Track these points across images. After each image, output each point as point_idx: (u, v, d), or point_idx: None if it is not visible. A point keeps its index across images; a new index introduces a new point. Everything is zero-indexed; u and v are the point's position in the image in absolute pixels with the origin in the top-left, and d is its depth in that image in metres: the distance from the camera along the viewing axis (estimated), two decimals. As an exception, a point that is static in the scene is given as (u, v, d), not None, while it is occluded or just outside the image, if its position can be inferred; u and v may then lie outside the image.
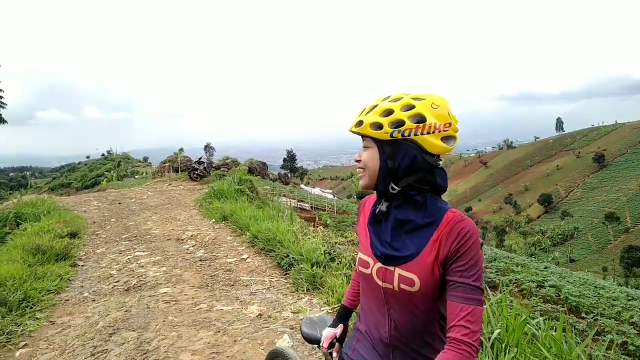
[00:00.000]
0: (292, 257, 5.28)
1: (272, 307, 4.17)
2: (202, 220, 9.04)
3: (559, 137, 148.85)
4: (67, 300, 4.57)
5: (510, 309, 3.41)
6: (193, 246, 6.81)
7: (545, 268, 15.05)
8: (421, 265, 1.13)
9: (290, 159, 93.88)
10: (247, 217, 7.67)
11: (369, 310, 1.30)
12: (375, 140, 1.17)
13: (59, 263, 5.69)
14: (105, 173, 30.27)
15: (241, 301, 4.36)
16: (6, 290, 4.29)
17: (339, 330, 1.50)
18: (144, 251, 6.57)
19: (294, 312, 4.01)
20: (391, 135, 1.13)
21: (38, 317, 4.07)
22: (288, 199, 21.57)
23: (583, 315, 9.31)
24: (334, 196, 41.66)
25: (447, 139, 1.15)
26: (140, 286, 4.92)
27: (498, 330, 2.95)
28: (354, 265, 1.54)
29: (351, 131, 1.22)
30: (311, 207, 26.39)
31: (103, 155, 43.89)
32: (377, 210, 1.23)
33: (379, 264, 1.21)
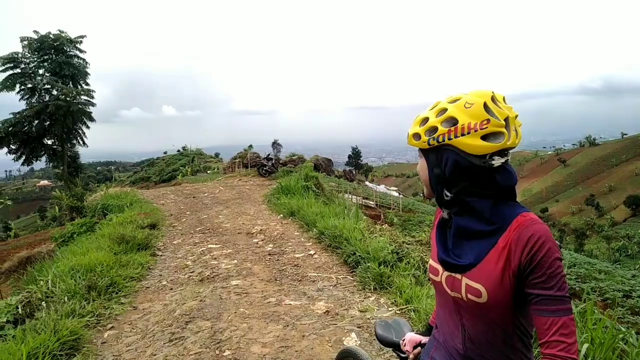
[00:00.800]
0: (359, 255, 5.26)
1: (339, 305, 4.18)
2: (271, 215, 9.28)
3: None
4: (148, 287, 4.89)
5: (596, 320, 3.16)
6: (262, 240, 7.00)
7: (632, 277, 13.83)
8: (487, 275, 1.07)
9: (355, 155, 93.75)
10: (314, 214, 7.76)
11: (444, 319, 1.27)
12: (421, 149, 1.19)
13: (141, 252, 6.11)
14: (181, 168, 31.94)
15: (309, 297, 4.42)
16: (96, 276, 4.67)
17: (425, 338, 1.48)
18: (216, 244, 6.87)
19: (361, 311, 4.00)
20: (428, 143, 1.13)
21: (123, 302, 4.39)
22: (353, 196, 21.56)
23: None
24: (399, 194, 41.01)
25: (490, 136, 1.06)
26: (213, 277, 5.15)
27: (586, 345, 2.74)
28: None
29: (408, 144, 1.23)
30: (376, 204, 26.18)
31: (179, 151, 46.34)
32: (441, 217, 1.23)
33: (447, 272, 1.18)
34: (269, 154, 21.07)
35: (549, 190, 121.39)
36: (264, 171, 18.95)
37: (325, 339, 3.45)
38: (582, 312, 3.31)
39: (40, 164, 28.26)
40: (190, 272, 5.40)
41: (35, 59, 25.46)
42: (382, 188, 43.22)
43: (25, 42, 25.10)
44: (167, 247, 6.81)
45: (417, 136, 1.16)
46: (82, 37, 26.87)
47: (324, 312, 3.99)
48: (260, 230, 7.70)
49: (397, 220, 19.81)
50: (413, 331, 1.57)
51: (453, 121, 1.08)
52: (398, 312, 3.93)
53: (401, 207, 27.45)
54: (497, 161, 1.08)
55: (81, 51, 26.74)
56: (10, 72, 24.66)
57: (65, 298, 4.07)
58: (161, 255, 6.28)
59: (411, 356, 1.46)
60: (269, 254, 6.13)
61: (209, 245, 6.76)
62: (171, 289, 4.83)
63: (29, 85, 25.15)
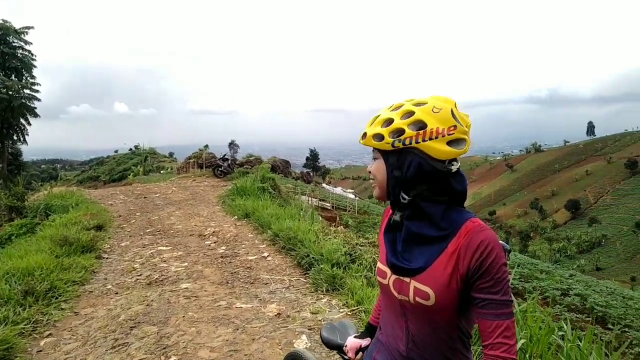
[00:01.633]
0: (313, 257, 5.27)
1: (291, 307, 4.16)
2: (225, 217, 9.12)
3: (590, 142, 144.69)
4: (91, 292, 4.67)
5: (535, 318, 3.31)
6: (215, 242, 6.87)
7: (570, 276, 14.67)
8: (436, 279, 1.09)
9: (312, 157, 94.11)
10: (269, 215, 7.70)
11: (388, 321, 1.28)
12: (380, 151, 1.15)
13: (85, 255, 5.83)
14: (132, 167, 30.86)
15: (260, 299, 4.37)
16: (34, 280, 4.42)
17: (365, 342, 1.49)
18: (166, 246, 6.67)
19: (312, 313, 4.00)
20: (392, 145, 1.09)
21: (63, 307, 4.17)
22: (310, 198, 21.59)
23: (610, 326, 9.02)
24: (355, 196, 41.50)
25: (454, 142, 1.08)
26: (162, 281, 4.99)
27: (522, 341, 2.87)
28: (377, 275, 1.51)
29: (360, 143, 1.19)
30: (332, 206, 26.35)
31: (130, 149, 44.74)
32: (392, 220, 1.21)
33: (395, 275, 1.18)
34: (224, 155, 20.72)
35: (496, 194, 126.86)
36: (219, 172, 18.63)
37: (276, 341, 3.42)
38: (523, 311, 3.46)
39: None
40: (138, 275, 5.21)
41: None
42: (338, 190, 43.60)
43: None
44: (114, 249, 6.54)
45: (379, 137, 1.12)
46: (28, 27, 25.39)
47: (276, 315, 3.96)
48: (213, 232, 7.55)
49: (352, 222, 20.03)
50: (359, 332, 1.58)
51: (421, 124, 1.08)
52: (349, 313, 3.96)
53: (357, 209, 27.77)
54: (455, 166, 1.11)
55: (27, 43, 25.30)
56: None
57: (-2, 304, 3.82)
58: (107, 258, 6.02)
59: None
60: (222, 257, 6.02)
61: (159, 248, 6.56)
62: (116, 293, 4.64)
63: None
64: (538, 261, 19.89)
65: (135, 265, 5.63)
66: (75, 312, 4.10)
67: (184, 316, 3.92)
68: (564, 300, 10.08)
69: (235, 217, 8.89)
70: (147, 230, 7.85)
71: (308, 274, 5.10)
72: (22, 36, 25.02)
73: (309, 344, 3.36)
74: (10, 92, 23.32)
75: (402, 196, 1.14)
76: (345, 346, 1.52)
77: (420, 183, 1.11)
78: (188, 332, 3.58)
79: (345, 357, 1.54)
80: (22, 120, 25.08)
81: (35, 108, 25.60)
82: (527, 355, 2.87)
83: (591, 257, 70.51)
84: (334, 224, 12.39)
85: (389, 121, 1.12)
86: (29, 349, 3.37)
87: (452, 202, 1.14)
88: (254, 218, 8.12)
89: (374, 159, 1.19)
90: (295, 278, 5.08)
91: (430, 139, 1.06)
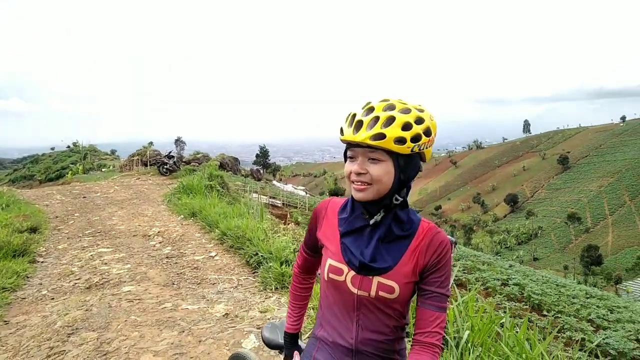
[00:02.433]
0: (261, 255, 5.22)
1: (240, 307, 4.10)
2: (170, 216, 8.85)
3: (526, 139, 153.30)
4: (24, 298, 4.38)
5: (477, 308, 3.46)
6: (160, 243, 6.65)
7: (510, 266, 15.46)
8: (401, 274, 1.17)
9: (262, 155, 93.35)
10: (217, 214, 7.54)
11: (334, 316, 1.27)
12: (391, 153, 1.11)
13: (17, 259, 5.45)
14: (71, 165, 29.30)
15: (208, 300, 4.28)
16: (-43, 288, 4.08)
17: (297, 358, 1.46)
18: (108, 247, 6.37)
19: (261, 312, 3.96)
20: (412, 150, 1.11)
21: (-9, 316, 3.88)
22: (260, 196, 21.40)
23: (545, 313, 9.60)
24: (306, 193, 41.60)
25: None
26: (102, 284, 4.76)
27: (467, 332, 2.98)
28: (300, 274, 1.52)
29: (361, 142, 1.10)
30: (283, 204, 26.28)
31: (68, 147, 42.39)
32: (373, 221, 1.18)
33: (354, 273, 1.19)
34: (170, 152, 20.11)
35: (442, 189, 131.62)
36: (164, 170, 18.06)
37: (223, 342, 3.36)
38: (466, 302, 3.59)
39: None
40: (76, 279, 4.94)
41: None
42: (289, 187, 43.49)
43: None
44: (50, 252, 6.17)
45: (401, 141, 1.09)
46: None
47: (223, 315, 3.89)
48: (158, 232, 7.30)
49: (302, 219, 20.05)
50: (300, 332, 1.57)
51: (427, 131, 1.13)
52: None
53: (307, 206, 27.85)
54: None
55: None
56: None
57: None
58: (42, 262, 5.67)
59: None
60: (167, 257, 5.83)
61: (100, 250, 6.25)
62: (52, 298, 4.37)
63: None
64: (480, 253, 20.83)
65: (73, 269, 5.33)
66: (5, 321, 3.82)
67: (126, 320, 3.76)
68: (503, 290, 10.60)
69: (182, 216, 8.65)
70: (87, 232, 7.47)
71: (257, 272, 5.05)
72: None
73: (258, 344, 3.33)
74: None
75: (395, 197, 1.17)
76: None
77: (408, 185, 1.19)
78: (130, 337, 3.44)
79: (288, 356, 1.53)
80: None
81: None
82: (469, 345, 2.99)
83: (529, 248, 74.94)
84: (284, 221, 12.37)
85: (408, 125, 1.10)
86: (-49, 363, 3.11)
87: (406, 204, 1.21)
88: (201, 217, 7.94)
89: (373, 160, 1.12)
90: (244, 277, 5.02)
91: (431, 145, 1.16)
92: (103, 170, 25.62)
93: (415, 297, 1.22)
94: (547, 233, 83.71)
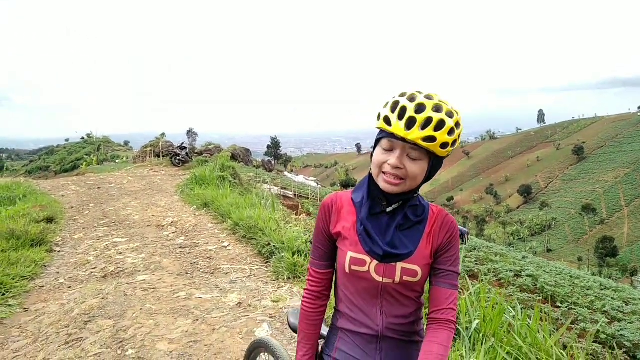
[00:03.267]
0: (274, 246, 5.25)
1: (252, 296, 4.14)
2: (183, 207, 8.94)
3: (540, 129, 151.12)
4: (42, 286, 4.47)
5: (489, 299, 3.45)
6: (173, 233, 6.73)
7: (523, 258, 15.37)
8: (421, 257, 1.22)
9: (274, 146, 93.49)
10: (229, 205, 7.59)
11: (355, 307, 1.28)
12: (429, 153, 1.15)
13: (35, 249, 5.56)
14: (85, 157, 29.69)
15: (221, 289, 4.33)
16: (-23, 277, 4.18)
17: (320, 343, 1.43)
18: (122, 237, 6.47)
19: (274, 301, 4.00)
20: (448, 153, 1.17)
21: (11, 304, 3.97)
22: (271, 187, 21.48)
23: (558, 304, 9.53)
24: (317, 184, 41.64)
25: None
26: (118, 273, 4.84)
27: (477, 322, 2.98)
28: (315, 287, 1.37)
29: (412, 140, 1.10)
30: (294, 194, 26.35)
31: (83, 138, 42.90)
32: (390, 209, 1.22)
33: (377, 262, 1.21)
34: (182, 143, 20.24)
35: (454, 180, 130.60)
36: (177, 161, 18.20)
37: (237, 331, 3.40)
38: (477, 292, 3.59)
39: None
40: (92, 269, 5.03)
41: None
42: (300, 178, 43.55)
43: None
44: (66, 242, 6.28)
45: (445, 145, 1.13)
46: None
47: (236, 304, 3.93)
48: (172, 222, 7.39)
49: (314, 210, 20.09)
50: (325, 319, 1.58)
51: (460, 135, 1.17)
52: (310, 300, 3.98)
53: (319, 197, 27.89)
54: None
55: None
56: None
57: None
58: (59, 251, 5.78)
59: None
60: (180, 247, 5.90)
61: (115, 239, 6.35)
62: (69, 287, 4.46)
63: None
64: (493, 244, 20.72)
65: (89, 258, 5.43)
66: (25, 309, 3.91)
67: (141, 308, 3.82)
68: (516, 282, 10.55)
69: (194, 206, 8.72)
70: (102, 222, 7.58)
71: (269, 262, 5.09)
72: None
73: (270, 332, 3.37)
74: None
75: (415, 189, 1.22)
76: None
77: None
78: (146, 325, 3.50)
79: None
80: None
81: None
82: (481, 335, 2.99)
83: (542, 239, 74.19)
84: (295, 212, 12.40)
85: (452, 130, 1.13)
86: (-26, 349, 3.20)
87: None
88: (214, 207, 8.00)
89: (413, 159, 1.14)
90: (257, 267, 5.06)
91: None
92: (117, 161, 25.93)
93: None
94: (561, 224, 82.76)
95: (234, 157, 21.75)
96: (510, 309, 3.48)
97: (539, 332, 3.03)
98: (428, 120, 1.10)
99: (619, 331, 7.91)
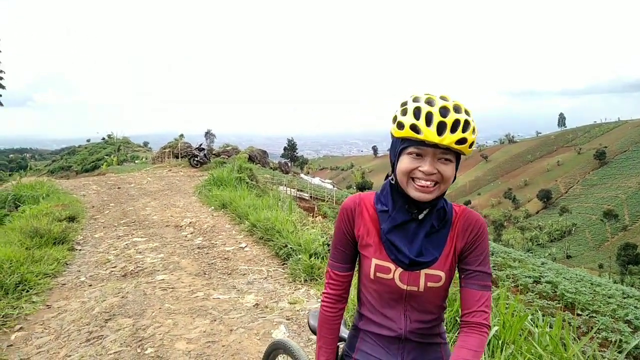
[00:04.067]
0: (291, 247, 5.27)
1: (269, 297, 4.16)
2: (201, 208, 9.03)
3: (561, 133, 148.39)
4: (64, 284, 4.56)
5: (508, 305, 3.40)
6: (191, 233, 6.80)
7: (542, 264, 15.10)
8: (444, 262, 1.21)
9: (290, 147, 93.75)
10: (246, 206, 7.64)
11: (378, 311, 1.28)
12: (457, 154, 1.15)
13: (57, 247, 5.68)
14: (105, 157, 30.23)
15: (238, 290, 4.35)
16: (3, 273, 4.28)
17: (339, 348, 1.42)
18: (142, 237, 6.56)
19: (291, 303, 4.01)
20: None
21: (34, 300, 4.06)
22: (287, 188, 21.55)
23: (579, 312, 9.34)
24: (333, 186, 41.63)
25: None
26: (137, 272, 4.91)
27: (496, 328, 2.94)
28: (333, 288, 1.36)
29: (446, 145, 1.10)
30: (310, 197, 26.39)
31: (103, 139, 43.70)
32: (422, 216, 1.20)
33: (401, 269, 1.21)
34: (200, 144, 20.45)
35: (472, 184, 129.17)
36: (195, 162, 18.39)
37: (254, 332, 3.42)
38: (496, 298, 3.54)
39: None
40: (112, 267, 5.11)
41: None
42: (316, 180, 43.61)
43: None
44: (87, 240, 6.40)
45: (472, 144, 1.13)
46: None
47: (254, 305, 3.95)
48: (190, 222, 7.47)
49: (330, 212, 20.09)
50: (345, 320, 1.59)
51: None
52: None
53: (334, 199, 27.88)
54: None
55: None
56: None
57: (-34, 298, 3.69)
58: (80, 250, 5.89)
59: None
60: (198, 247, 5.96)
61: (134, 239, 6.45)
62: (90, 285, 4.55)
63: None
64: (511, 250, 20.42)
65: (109, 257, 5.52)
66: (48, 305, 4.00)
67: (160, 308, 3.87)
68: (535, 288, 10.37)
69: (212, 207, 8.80)
70: (122, 221, 7.71)
71: (286, 264, 5.10)
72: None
73: (287, 334, 3.37)
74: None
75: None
76: None
77: None
78: (165, 324, 3.54)
79: None
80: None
81: (0, 96, 24.66)
82: (500, 342, 2.94)
83: (562, 245, 72.72)
84: (312, 214, 12.42)
85: (474, 130, 1.14)
86: (-1, 344, 3.28)
87: None
88: (231, 208, 8.06)
89: (446, 160, 1.14)
90: (273, 268, 5.08)
91: None
92: (136, 162, 26.33)
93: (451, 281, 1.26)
94: (581, 230, 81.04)
95: (251, 159, 21.89)
96: (530, 315, 3.42)
97: (560, 340, 2.98)
98: (456, 123, 1.10)
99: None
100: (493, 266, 11.90)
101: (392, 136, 1.19)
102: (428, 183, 1.13)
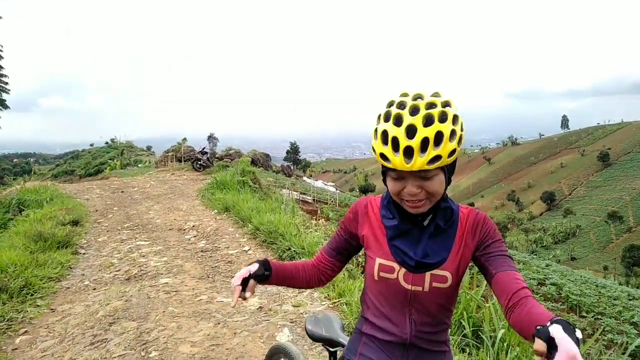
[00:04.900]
0: (294, 250, 5.27)
1: (273, 300, 4.15)
2: (205, 211, 9.04)
3: (564, 135, 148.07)
4: (68, 288, 4.57)
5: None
6: (195, 237, 6.80)
7: (546, 266, 15.04)
8: (452, 263, 1.19)
9: (293, 151, 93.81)
10: (249, 209, 7.65)
11: (383, 315, 1.26)
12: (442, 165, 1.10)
13: (61, 250, 5.70)
14: (109, 161, 30.33)
15: (242, 293, 4.34)
16: (7, 277, 4.30)
17: (254, 267, 1.29)
18: (145, 240, 6.57)
19: (294, 306, 4.00)
20: (457, 154, 1.13)
21: (39, 304, 4.08)
22: (290, 191, 21.56)
23: (584, 314, 9.29)
24: (336, 189, 41.65)
25: None
26: (141, 276, 4.92)
27: (502, 331, 2.93)
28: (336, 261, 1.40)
29: (418, 169, 1.06)
30: (313, 199, 26.39)
31: (107, 143, 43.87)
32: (426, 223, 1.20)
33: (405, 270, 1.20)
34: (203, 148, 20.50)
35: (475, 186, 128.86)
36: (198, 165, 18.43)
37: (258, 335, 3.41)
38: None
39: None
40: (116, 271, 5.12)
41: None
42: (319, 183, 43.65)
43: None
44: (91, 244, 6.42)
45: (453, 152, 1.08)
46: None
47: (257, 309, 3.95)
48: (193, 226, 7.48)
49: (333, 215, 20.08)
50: (343, 325, 1.59)
51: (462, 126, 1.12)
52: (331, 305, 3.98)
53: (337, 202, 27.87)
54: None
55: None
56: None
57: (-30, 302, 3.70)
58: (84, 254, 5.90)
59: (249, 293, 1.28)
60: (202, 251, 5.96)
61: (138, 242, 6.45)
62: (94, 288, 4.56)
63: None
64: (515, 252, 20.34)
65: (113, 261, 5.53)
66: (52, 309, 4.01)
67: (164, 311, 3.87)
68: (540, 290, 10.33)
69: (215, 211, 8.81)
70: (125, 225, 7.72)
71: (289, 267, 5.10)
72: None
73: (291, 337, 3.37)
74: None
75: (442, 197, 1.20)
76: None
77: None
78: (168, 327, 3.54)
79: (331, 349, 1.55)
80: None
81: (5, 100, 24.80)
82: (506, 344, 2.93)
83: (566, 247, 72.43)
84: (315, 217, 12.41)
85: (454, 133, 1.07)
86: (4, 347, 3.29)
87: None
88: (234, 212, 8.07)
89: (429, 177, 1.09)
90: (277, 271, 5.07)
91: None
92: (139, 165, 26.40)
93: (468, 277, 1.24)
94: (585, 232, 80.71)
95: (254, 162, 21.91)
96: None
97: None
98: (425, 142, 1.04)
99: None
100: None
101: None
102: (414, 202, 1.13)
